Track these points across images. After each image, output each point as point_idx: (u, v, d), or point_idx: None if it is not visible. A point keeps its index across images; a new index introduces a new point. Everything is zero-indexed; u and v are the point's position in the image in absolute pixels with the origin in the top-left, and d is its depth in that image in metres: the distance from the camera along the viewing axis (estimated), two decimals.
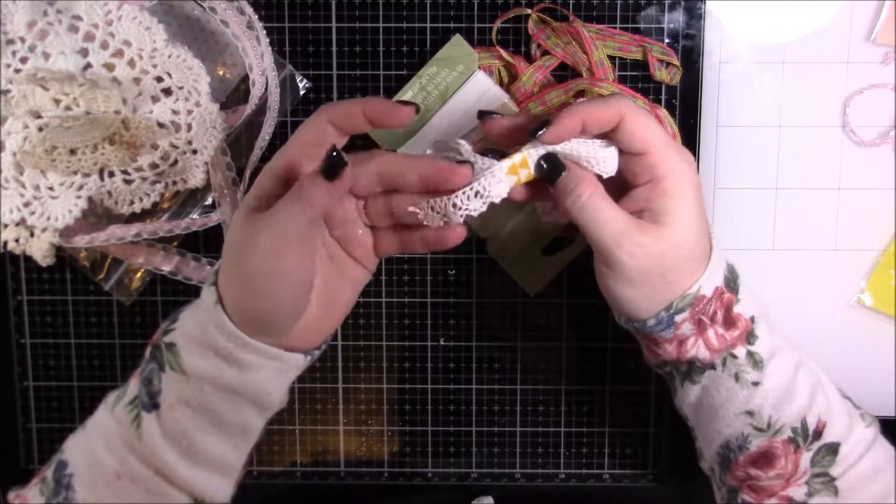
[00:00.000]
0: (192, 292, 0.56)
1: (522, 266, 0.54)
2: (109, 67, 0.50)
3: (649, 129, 0.41)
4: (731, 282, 0.44)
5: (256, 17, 0.51)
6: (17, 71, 0.49)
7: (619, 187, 0.44)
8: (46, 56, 0.49)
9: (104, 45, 0.50)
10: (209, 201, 0.54)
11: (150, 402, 0.42)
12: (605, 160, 0.42)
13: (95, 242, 0.52)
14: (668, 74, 0.52)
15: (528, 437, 0.57)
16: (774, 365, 0.44)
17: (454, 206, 0.41)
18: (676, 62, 0.52)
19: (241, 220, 0.41)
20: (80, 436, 0.45)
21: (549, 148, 0.42)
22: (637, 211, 0.42)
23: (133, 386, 0.43)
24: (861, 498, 0.43)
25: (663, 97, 0.53)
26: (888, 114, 0.53)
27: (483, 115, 0.45)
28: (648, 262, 0.41)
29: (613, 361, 0.56)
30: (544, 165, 0.42)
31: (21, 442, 0.58)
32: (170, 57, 0.50)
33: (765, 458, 0.44)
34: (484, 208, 0.42)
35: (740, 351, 0.43)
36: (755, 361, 0.44)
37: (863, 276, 0.55)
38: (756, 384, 0.44)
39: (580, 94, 0.52)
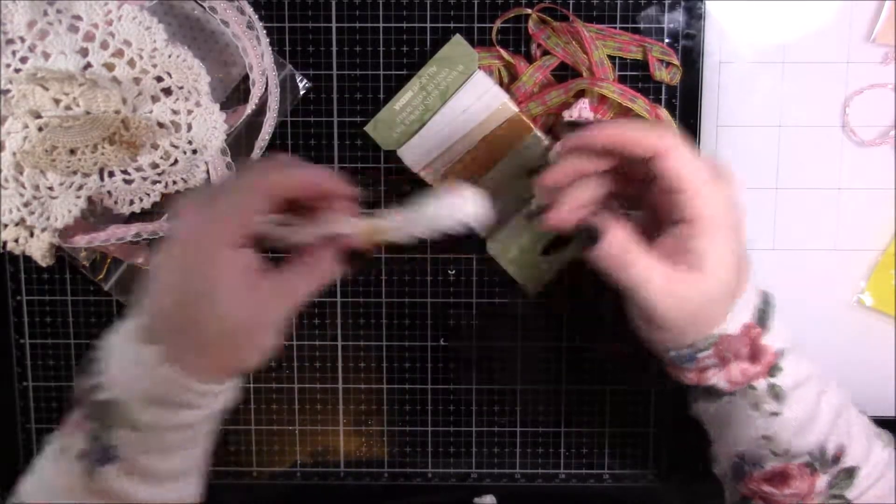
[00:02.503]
0: None
1: (522, 266, 0.54)
2: (109, 67, 0.50)
3: (685, 166, 0.39)
4: (763, 314, 0.43)
5: (256, 16, 0.51)
6: (17, 71, 0.49)
7: (653, 220, 0.43)
8: (46, 56, 0.49)
9: (104, 45, 0.50)
10: None
11: (105, 456, 0.40)
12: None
13: (95, 242, 0.52)
14: (668, 74, 0.52)
15: (528, 437, 0.57)
16: (796, 396, 0.43)
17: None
18: (676, 62, 0.52)
19: (236, 304, 0.38)
20: (33, 482, 0.42)
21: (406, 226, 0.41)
22: (672, 250, 0.41)
23: (78, 439, 0.40)
24: None
25: (663, 97, 0.53)
26: (888, 114, 0.53)
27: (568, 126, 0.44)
28: (684, 313, 0.41)
29: (613, 362, 0.56)
30: (585, 236, 0.41)
31: (21, 442, 0.58)
32: (170, 57, 0.50)
33: (780, 478, 0.44)
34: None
35: (761, 384, 0.43)
36: (776, 394, 0.43)
37: (863, 276, 0.55)
38: (775, 414, 0.43)
39: (580, 93, 0.52)
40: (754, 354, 0.42)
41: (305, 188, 0.40)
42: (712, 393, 0.44)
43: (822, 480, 0.43)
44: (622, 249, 0.40)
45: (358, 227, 0.41)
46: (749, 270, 0.42)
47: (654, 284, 0.40)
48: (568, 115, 0.50)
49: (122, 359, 0.40)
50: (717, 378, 0.43)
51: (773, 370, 0.43)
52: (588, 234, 0.41)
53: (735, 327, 0.42)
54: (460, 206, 0.42)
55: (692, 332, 0.42)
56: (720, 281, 0.40)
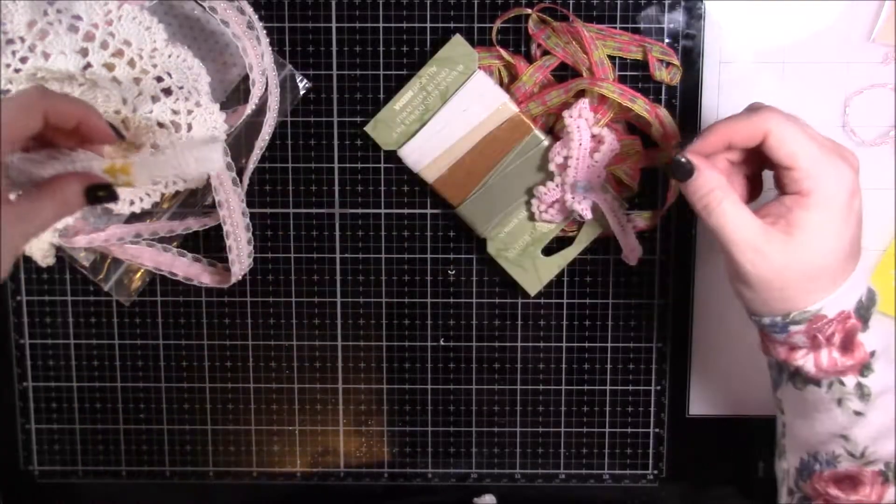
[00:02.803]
0: (192, 293, 0.56)
1: (522, 266, 0.54)
2: (109, 67, 0.50)
3: (796, 143, 0.40)
4: (864, 309, 0.42)
5: (256, 16, 0.51)
6: (17, 71, 0.49)
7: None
8: (46, 56, 0.49)
9: (104, 45, 0.50)
10: (209, 201, 0.54)
11: None
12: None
13: (95, 243, 0.52)
14: (668, 74, 0.52)
15: (528, 437, 0.57)
16: (883, 401, 0.42)
17: None
18: (676, 62, 0.52)
19: None
20: None
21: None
22: (776, 214, 0.41)
23: None
24: None
25: (663, 97, 0.53)
26: (888, 114, 0.53)
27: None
28: (770, 274, 0.41)
29: (613, 361, 0.56)
30: (675, 166, 0.42)
31: (20, 443, 0.58)
32: (170, 57, 0.50)
33: (850, 481, 0.43)
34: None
35: (850, 380, 0.42)
36: (863, 394, 0.42)
37: None
38: (859, 414, 0.42)
39: (580, 93, 0.52)
40: (847, 346, 0.42)
41: (70, 115, 0.41)
42: (799, 377, 0.44)
43: (891, 492, 0.42)
44: (715, 187, 0.41)
45: (103, 165, 0.43)
46: (859, 261, 0.42)
47: (742, 234, 0.40)
48: (568, 116, 0.50)
49: None
50: (805, 360, 0.43)
51: (864, 369, 0.42)
52: (684, 167, 0.41)
53: (832, 311, 0.41)
54: (205, 155, 0.44)
55: (780, 300, 0.41)
56: (813, 255, 0.40)
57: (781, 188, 0.42)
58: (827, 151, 0.40)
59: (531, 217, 0.53)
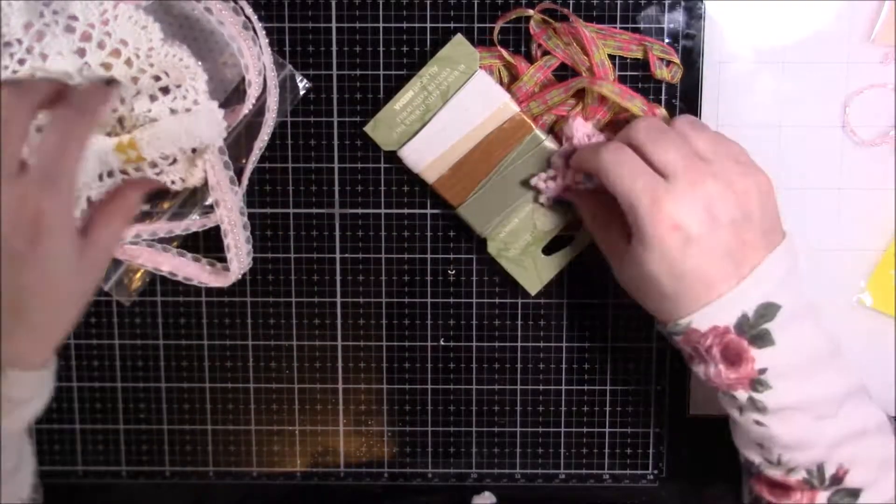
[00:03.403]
0: (192, 293, 0.56)
1: (522, 266, 0.54)
2: (107, 67, 0.50)
3: (619, 186, 0.42)
4: (749, 325, 0.41)
5: (256, 17, 0.51)
6: (15, 73, 0.49)
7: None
8: (44, 57, 0.49)
9: (101, 45, 0.50)
10: (209, 201, 0.54)
11: None
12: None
13: None
14: (668, 73, 0.52)
15: (528, 437, 0.57)
16: (785, 417, 0.42)
17: None
18: (677, 60, 0.52)
19: (72, 248, 0.37)
20: None
21: None
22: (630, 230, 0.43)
23: None
24: None
25: (663, 97, 0.53)
26: (888, 114, 0.53)
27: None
28: (627, 287, 0.45)
29: (613, 362, 0.56)
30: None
31: None
32: (166, 56, 0.50)
33: (780, 489, 0.43)
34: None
35: (741, 394, 0.42)
36: (757, 407, 0.42)
37: (863, 276, 0.55)
38: (759, 424, 0.42)
39: (580, 92, 0.52)
40: (733, 361, 0.42)
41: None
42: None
43: (822, 496, 0.42)
44: (590, 212, 0.48)
45: (112, 143, 0.45)
46: (746, 279, 0.41)
47: (608, 254, 0.46)
48: (566, 137, 0.51)
49: None
50: (697, 370, 0.43)
51: (756, 384, 0.42)
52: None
53: (703, 326, 0.41)
54: (195, 125, 0.46)
55: (652, 310, 0.44)
56: (649, 286, 0.42)
57: None
58: (651, 185, 0.41)
59: (531, 217, 0.53)
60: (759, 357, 0.41)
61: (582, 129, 0.50)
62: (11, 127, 0.37)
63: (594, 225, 0.48)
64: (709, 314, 0.41)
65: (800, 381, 0.42)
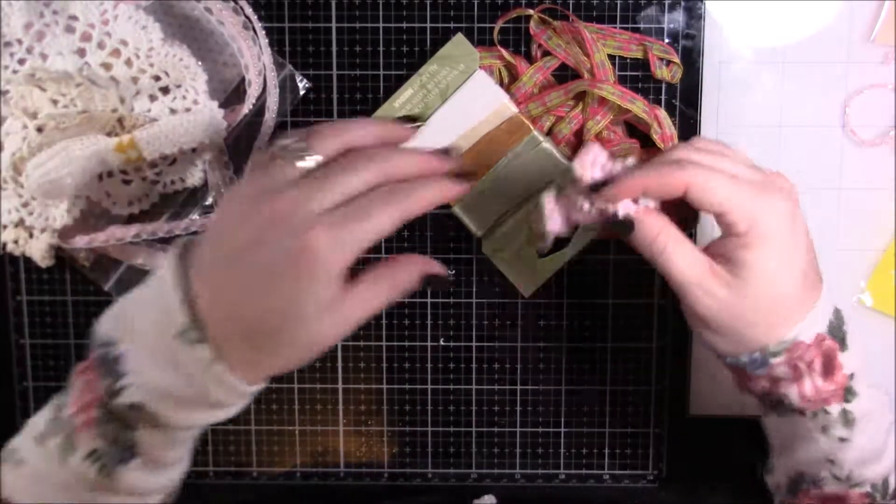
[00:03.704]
0: None
1: (518, 266, 0.54)
2: (107, 67, 0.50)
3: (721, 191, 0.39)
4: (836, 328, 0.41)
5: (256, 17, 0.51)
6: (15, 72, 0.49)
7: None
8: (44, 57, 0.49)
9: (101, 45, 0.50)
10: (209, 201, 0.54)
11: (125, 455, 0.38)
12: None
13: (95, 243, 0.52)
14: (668, 73, 0.52)
15: (528, 437, 0.57)
16: (867, 425, 0.42)
17: None
18: (677, 60, 0.52)
19: (329, 297, 0.36)
20: (24, 480, 0.40)
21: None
22: (724, 256, 0.40)
23: (86, 440, 0.38)
24: None
25: (663, 97, 0.53)
26: (888, 114, 0.53)
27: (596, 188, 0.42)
28: (724, 314, 0.40)
29: (613, 361, 0.56)
30: (614, 227, 0.41)
31: None
32: (166, 56, 0.50)
33: (837, 502, 0.43)
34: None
35: (834, 408, 0.42)
36: (847, 420, 0.42)
37: (863, 276, 0.55)
38: (844, 440, 0.42)
39: (581, 94, 0.52)
40: (828, 370, 0.41)
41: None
42: (783, 407, 0.43)
43: None
44: (658, 233, 0.40)
45: (111, 144, 0.46)
46: (820, 283, 0.41)
47: (690, 275, 0.40)
48: (580, 167, 0.42)
49: (156, 359, 0.37)
50: (789, 390, 0.42)
51: (847, 394, 0.41)
52: (623, 225, 0.41)
53: (809, 335, 0.40)
54: (192, 124, 0.46)
55: (751, 338, 0.41)
56: (766, 290, 0.39)
57: (721, 229, 0.41)
58: (757, 189, 0.39)
59: (527, 217, 0.53)
60: (846, 362, 0.41)
61: (601, 157, 0.43)
62: (373, 166, 0.37)
63: (672, 256, 0.40)
64: (813, 322, 0.40)
65: (870, 382, 0.42)
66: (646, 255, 0.41)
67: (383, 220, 0.37)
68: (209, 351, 0.37)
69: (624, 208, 0.41)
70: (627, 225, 0.41)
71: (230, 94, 0.53)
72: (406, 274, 0.39)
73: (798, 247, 0.40)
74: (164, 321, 0.37)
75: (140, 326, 0.38)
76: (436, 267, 0.40)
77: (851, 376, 0.41)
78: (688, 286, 0.40)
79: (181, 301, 0.37)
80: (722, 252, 0.40)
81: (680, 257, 0.40)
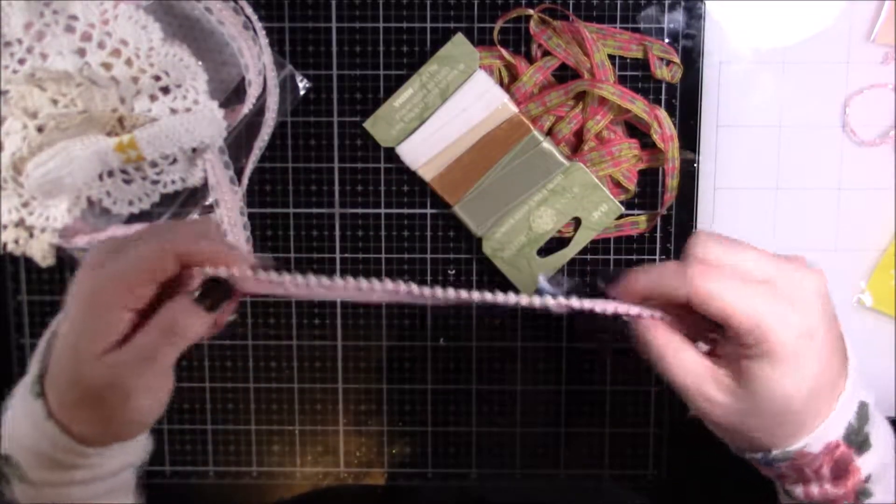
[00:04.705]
0: None
1: (517, 267, 0.54)
2: (107, 66, 0.50)
3: (725, 299, 0.35)
4: (856, 432, 0.38)
5: (256, 17, 0.51)
6: (15, 72, 0.49)
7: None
8: (44, 57, 0.49)
9: (101, 45, 0.50)
10: (209, 201, 0.54)
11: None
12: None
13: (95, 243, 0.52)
14: (668, 72, 0.52)
15: (528, 437, 0.57)
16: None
17: None
18: (677, 60, 0.52)
19: (97, 365, 0.36)
20: None
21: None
22: (729, 359, 0.37)
23: None
24: None
25: (663, 97, 0.53)
26: (888, 114, 0.53)
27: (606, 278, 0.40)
28: (725, 420, 0.37)
29: (613, 362, 0.56)
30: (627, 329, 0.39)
31: None
32: (166, 55, 0.50)
33: None
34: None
35: None
36: None
37: (863, 276, 0.55)
38: None
39: (581, 94, 0.52)
40: (840, 476, 0.38)
41: (208, 262, 0.37)
42: (791, 496, 0.40)
43: None
44: (653, 339, 0.38)
45: (111, 144, 0.46)
46: (844, 382, 0.37)
47: (689, 381, 0.37)
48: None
49: (16, 411, 0.39)
50: (794, 488, 0.39)
51: (860, 496, 0.38)
52: (627, 326, 0.39)
53: (817, 446, 0.37)
54: (193, 125, 0.46)
55: (753, 442, 0.38)
56: (773, 410, 0.36)
57: (727, 332, 0.37)
58: (768, 295, 0.35)
59: (527, 218, 0.53)
60: (864, 465, 0.38)
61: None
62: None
63: (671, 362, 0.38)
64: (824, 430, 0.37)
65: (889, 477, 0.39)
66: (643, 355, 0.39)
67: (150, 253, 0.36)
68: (42, 407, 0.37)
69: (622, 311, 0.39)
70: (630, 327, 0.39)
71: (230, 94, 0.53)
72: (177, 318, 0.37)
73: (818, 359, 0.36)
74: (27, 378, 0.39)
75: (26, 378, 0.39)
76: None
77: (868, 478, 0.38)
78: (687, 394, 0.37)
79: (40, 352, 0.38)
80: (729, 353, 0.37)
81: (678, 364, 0.37)
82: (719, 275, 0.36)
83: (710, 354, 0.39)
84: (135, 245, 0.37)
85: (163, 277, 0.37)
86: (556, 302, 0.39)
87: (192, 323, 0.37)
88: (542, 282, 0.40)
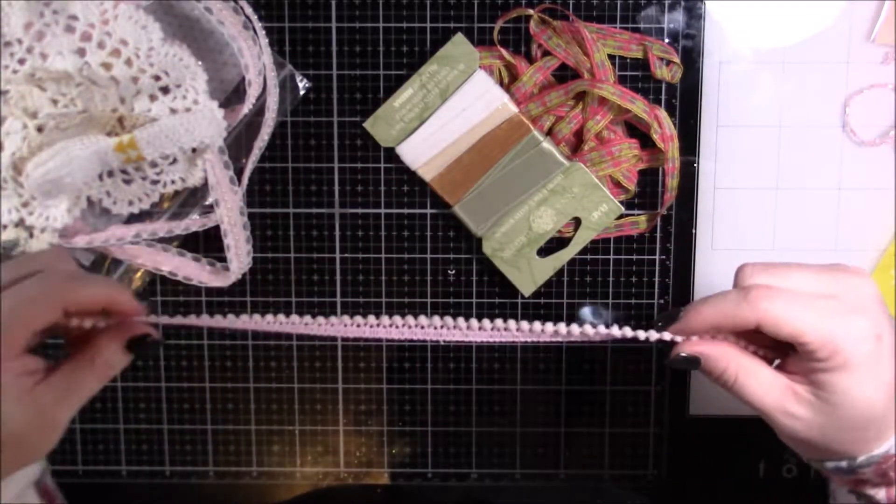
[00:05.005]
0: (192, 292, 0.56)
1: (517, 267, 0.54)
2: (107, 66, 0.50)
3: (795, 321, 0.36)
4: None
5: (256, 17, 0.51)
6: (15, 72, 0.49)
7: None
8: (44, 57, 0.49)
9: (101, 45, 0.50)
10: (209, 201, 0.54)
11: None
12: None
13: (95, 243, 0.52)
14: (668, 72, 0.52)
15: (528, 437, 0.57)
16: None
17: None
18: (677, 60, 0.52)
19: (27, 400, 0.37)
20: None
21: None
22: (804, 375, 0.38)
23: None
24: None
25: (663, 97, 0.53)
26: (888, 114, 0.53)
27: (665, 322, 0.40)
28: (808, 434, 0.38)
29: (613, 361, 0.56)
30: (679, 362, 0.40)
31: None
32: (166, 55, 0.50)
33: None
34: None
35: None
36: None
37: None
38: None
39: (581, 94, 0.52)
40: None
41: (94, 304, 0.39)
42: (866, 499, 0.41)
43: None
44: (725, 366, 0.39)
45: (111, 144, 0.46)
46: None
47: (768, 401, 0.38)
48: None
49: None
50: (876, 492, 0.40)
51: None
52: (688, 361, 0.39)
53: None
54: (194, 124, 0.46)
55: (838, 452, 0.39)
56: (853, 411, 0.37)
57: (799, 351, 0.38)
58: (832, 308, 0.37)
59: (527, 217, 0.53)
60: None
61: None
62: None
63: (747, 383, 0.39)
64: None
65: None
66: (720, 385, 0.40)
67: (28, 299, 0.37)
68: None
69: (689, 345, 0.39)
70: (692, 361, 0.39)
71: (230, 94, 0.53)
72: (106, 349, 0.39)
73: (882, 362, 0.37)
74: None
75: None
76: (137, 328, 0.40)
77: None
78: (767, 413, 0.38)
79: None
80: (803, 369, 0.38)
81: (753, 386, 0.38)
82: (784, 298, 0.37)
83: (779, 370, 0.39)
84: (13, 296, 0.37)
85: (44, 324, 0.37)
86: (596, 331, 0.40)
87: (118, 362, 0.39)
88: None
